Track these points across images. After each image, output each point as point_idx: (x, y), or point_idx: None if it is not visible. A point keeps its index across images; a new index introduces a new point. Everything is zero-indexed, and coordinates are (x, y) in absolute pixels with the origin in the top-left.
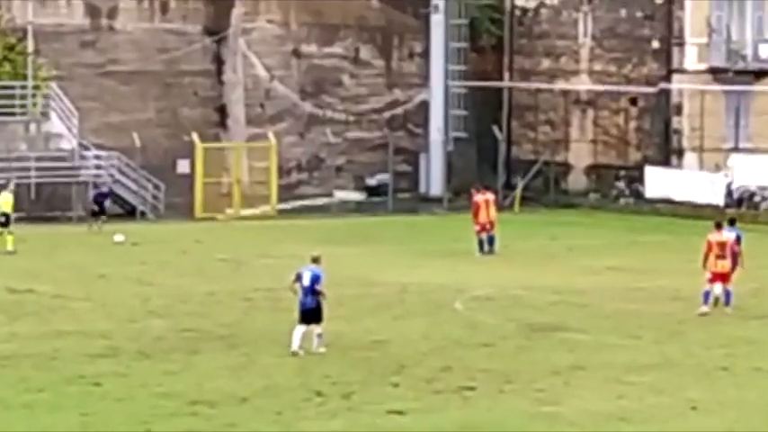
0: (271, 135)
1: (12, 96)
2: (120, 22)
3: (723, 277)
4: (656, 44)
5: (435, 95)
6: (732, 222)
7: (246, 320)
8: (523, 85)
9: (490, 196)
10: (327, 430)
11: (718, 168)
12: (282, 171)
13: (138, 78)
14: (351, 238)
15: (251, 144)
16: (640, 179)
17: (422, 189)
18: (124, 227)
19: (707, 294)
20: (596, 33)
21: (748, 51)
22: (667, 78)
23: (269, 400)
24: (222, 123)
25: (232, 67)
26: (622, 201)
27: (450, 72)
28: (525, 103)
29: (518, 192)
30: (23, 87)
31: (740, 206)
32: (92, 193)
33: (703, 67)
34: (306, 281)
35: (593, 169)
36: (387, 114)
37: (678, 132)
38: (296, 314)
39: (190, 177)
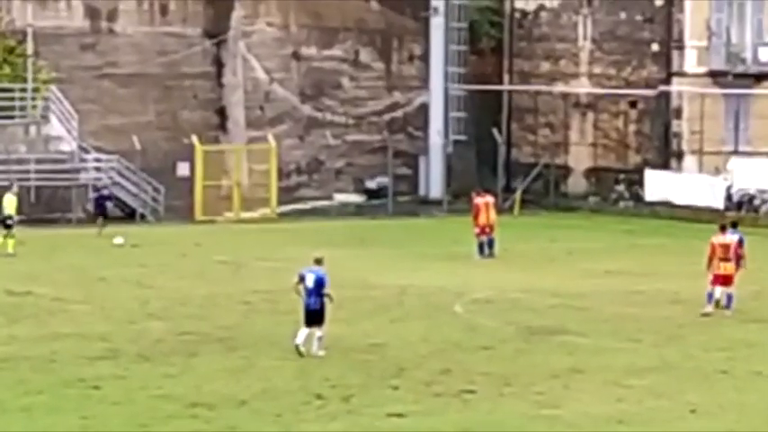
0: (270, 138)
1: (11, 99)
2: (120, 25)
3: (726, 280)
4: (655, 47)
5: (435, 98)
6: (734, 225)
7: (246, 323)
8: (523, 87)
9: (490, 199)
10: None
11: (717, 171)
12: (282, 174)
13: (138, 81)
14: (350, 240)
15: (251, 147)
16: (640, 182)
17: (421, 192)
18: (124, 229)
19: (710, 295)
20: (596, 36)
21: (748, 54)
22: (667, 81)
23: (268, 402)
24: (222, 126)
25: (232, 70)
26: (622, 204)
27: (450, 75)
28: (525, 106)
29: (518, 195)
30: (23, 90)
31: (740, 209)
32: (93, 195)
33: (703, 70)
34: (309, 282)
35: (592, 172)
36: (386, 117)
37: (678, 135)
38: (300, 316)
39: (189, 180)
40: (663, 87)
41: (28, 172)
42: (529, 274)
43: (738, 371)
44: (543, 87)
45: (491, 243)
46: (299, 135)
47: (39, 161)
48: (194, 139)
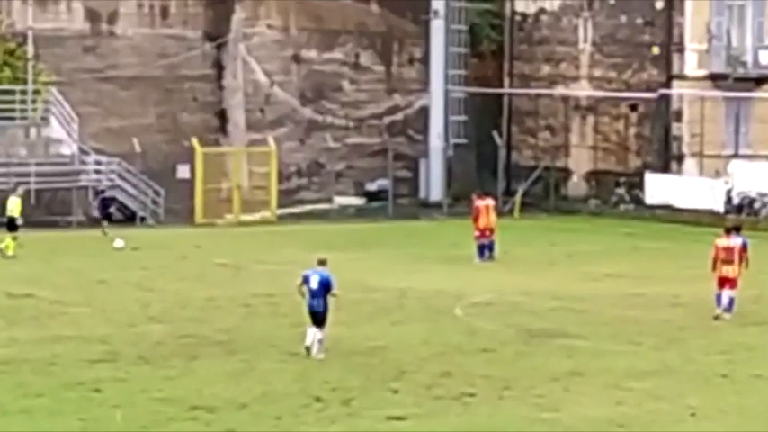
0: (271, 140)
1: (12, 101)
2: (121, 28)
3: (729, 282)
4: (656, 50)
5: (435, 101)
6: (737, 230)
7: (246, 326)
8: (523, 90)
9: (490, 202)
10: None
11: (718, 175)
12: (282, 176)
13: (138, 83)
14: (350, 243)
15: (251, 149)
16: (640, 185)
17: (422, 195)
18: (124, 232)
19: (719, 297)
20: (596, 39)
21: (748, 58)
22: (667, 84)
23: (268, 405)
24: (222, 129)
25: (232, 73)
26: (622, 207)
27: (450, 78)
28: (525, 109)
29: (518, 198)
30: (23, 92)
31: (740, 213)
32: (98, 198)
33: (703, 73)
34: (314, 284)
35: (592, 175)
36: (387, 120)
37: (678, 138)
38: (305, 317)
39: (190, 183)
40: (663, 90)
41: (28, 175)
42: (529, 276)
43: (738, 374)
44: (544, 90)
45: (491, 246)
46: (299, 138)
47: (39, 164)
48: (194, 141)
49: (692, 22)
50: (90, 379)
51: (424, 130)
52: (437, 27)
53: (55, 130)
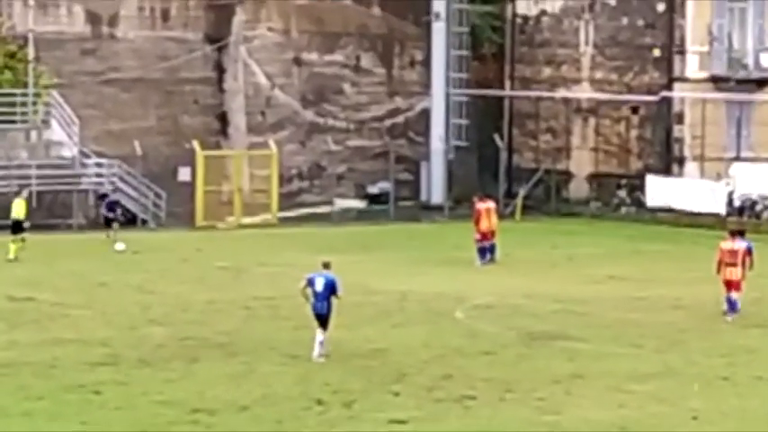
0: (272, 143)
1: (12, 104)
2: (121, 30)
3: (732, 285)
4: (657, 52)
5: (436, 104)
6: (741, 234)
7: (246, 329)
8: (524, 93)
9: (491, 205)
10: None
11: (719, 177)
12: (283, 179)
13: (139, 86)
14: (351, 246)
15: (252, 152)
16: (641, 188)
17: (423, 197)
18: (125, 235)
19: (728, 300)
20: (597, 42)
21: (750, 60)
22: (669, 87)
23: (269, 408)
24: (223, 131)
25: (233, 75)
26: (623, 209)
27: (452, 80)
28: (526, 112)
29: (519, 200)
30: (24, 95)
31: (741, 215)
32: (105, 201)
33: (705, 75)
34: (319, 287)
35: (594, 178)
36: (388, 122)
37: (679, 141)
38: (312, 320)
39: (190, 185)
40: (664, 93)
41: (29, 177)
42: (530, 279)
43: (740, 377)
44: (545, 93)
45: (492, 249)
46: (300, 140)
47: (40, 166)
48: (195, 144)
49: (694, 25)
50: (90, 382)
51: (426, 132)
52: (438, 29)
53: (56, 132)
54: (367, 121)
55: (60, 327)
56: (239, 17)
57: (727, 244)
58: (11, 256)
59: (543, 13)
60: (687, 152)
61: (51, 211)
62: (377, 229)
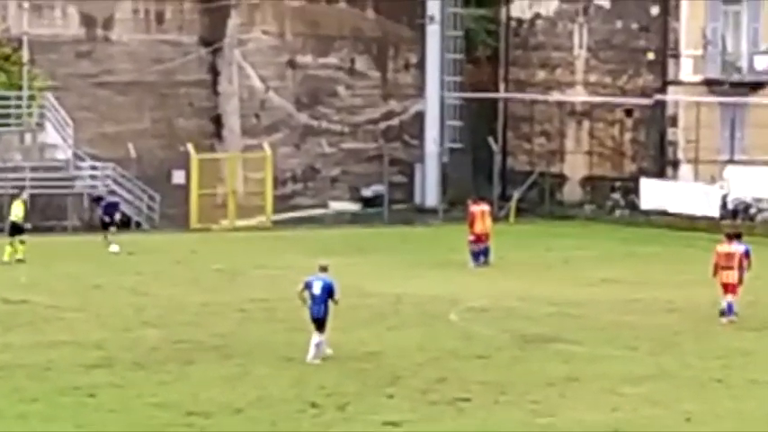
0: (266, 146)
1: (7, 106)
2: (116, 33)
3: (729, 288)
4: (651, 55)
5: (431, 106)
6: (738, 237)
7: (241, 331)
8: (519, 96)
9: (486, 207)
10: None
11: (713, 180)
12: (278, 182)
13: (134, 89)
14: (346, 248)
15: (246, 155)
16: (636, 191)
17: (417, 200)
18: (119, 237)
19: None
20: (592, 45)
21: (744, 63)
22: (663, 90)
23: (263, 410)
24: (217, 134)
25: (227, 78)
26: (618, 212)
27: (446, 83)
28: (521, 115)
29: (513, 203)
30: (18, 98)
31: (735, 218)
32: (102, 204)
33: (699, 78)
34: (317, 290)
35: (588, 181)
36: (382, 125)
37: (673, 144)
38: (309, 324)
39: (185, 188)
40: (659, 96)
41: (23, 180)
42: (524, 282)
43: (734, 379)
44: (539, 96)
45: (486, 251)
46: (294, 143)
47: (34, 169)
48: (190, 147)
49: (688, 28)
50: (85, 384)
51: (420, 135)
52: (433, 32)
53: (50, 135)
54: (361, 123)
55: (55, 329)
56: (234, 20)
57: (724, 247)
58: (5, 258)
59: (537, 16)
60: (681, 155)
61: (45, 214)
62: (371, 232)
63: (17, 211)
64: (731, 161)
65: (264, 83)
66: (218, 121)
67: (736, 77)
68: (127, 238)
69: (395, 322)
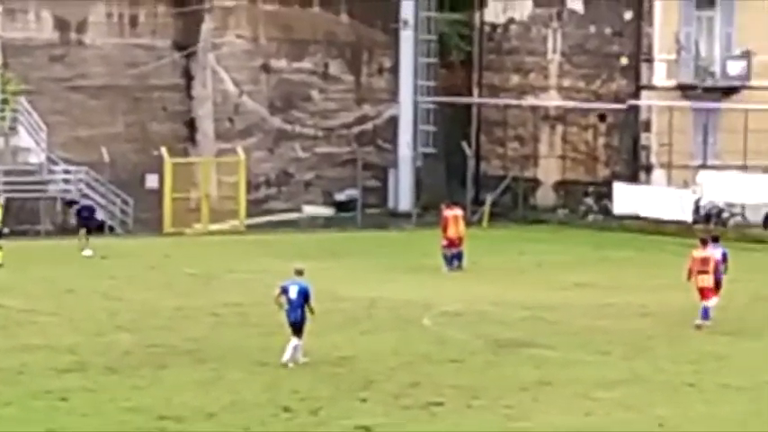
0: (240, 150)
1: None
2: (90, 37)
3: (704, 292)
4: (624, 60)
5: (404, 111)
6: (715, 240)
7: (214, 336)
8: (492, 100)
9: (459, 212)
10: None
11: (686, 185)
12: (251, 186)
13: (107, 93)
14: (319, 253)
15: (220, 159)
16: (609, 195)
17: (390, 204)
18: (93, 241)
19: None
20: (565, 50)
21: (717, 68)
22: (636, 95)
23: (236, 415)
24: (191, 138)
25: (201, 82)
26: (591, 217)
27: (420, 87)
28: (494, 119)
29: (487, 207)
30: None
31: (708, 222)
32: (77, 206)
33: (672, 83)
34: (293, 294)
35: (561, 185)
36: (356, 129)
37: (647, 149)
38: (286, 328)
39: (158, 192)
40: (632, 101)
41: None
42: (498, 286)
43: (707, 383)
44: (513, 100)
45: (460, 256)
46: (268, 147)
47: (7, 173)
48: (163, 151)
49: (661, 33)
50: (58, 388)
51: (394, 139)
52: (406, 37)
53: (23, 139)
54: (335, 128)
55: (28, 333)
56: (208, 24)
57: (699, 252)
58: None
59: (511, 21)
60: (654, 160)
61: (19, 218)
62: (345, 237)
63: None
64: (704, 166)
65: (238, 87)
66: (191, 125)
67: (709, 82)
68: (100, 242)
69: (368, 327)
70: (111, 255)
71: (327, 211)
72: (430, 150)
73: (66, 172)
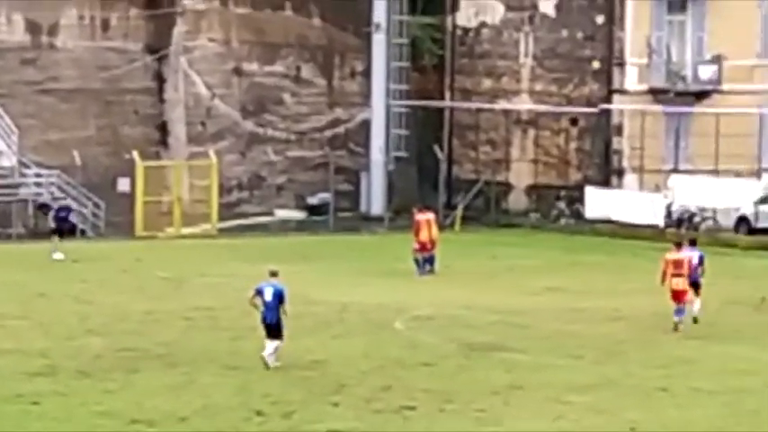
0: (212, 153)
1: None
2: (61, 40)
3: (678, 295)
4: (596, 64)
5: (376, 114)
6: (692, 243)
7: (185, 339)
8: (464, 104)
9: (431, 216)
10: None
11: (658, 189)
12: (223, 189)
13: (79, 96)
14: (291, 256)
15: (192, 162)
16: (581, 199)
17: (363, 208)
18: (64, 245)
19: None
20: (537, 53)
21: (688, 72)
22: (608, 99)
23: (208, 419)
24: (163, 142)
25: (173, 86)
26: (563, 221)
27: (392, 91)
28: (466, 123)
29: (459, 211)
30: None
31: (680, 227)
32: (54, 209)
33: (644, 87)
34: (268, 296)
35: (533, 189)
36: (328, 133)
37: (618, 153)
38: (261, 330)
39: (130, 196)
40: (604, 105)
41: None
42: (469, 290)
43: (678, 387)
44: (485, 104)
45: (432, 260)
46: (240, 151)
47: None
48: (135, 154)
49: (633, 37)
50: (29, 392)
51: (366, 143)
52: (378, 41)
53: None
54: (307, 131)
55: None
56: (179, 27)
57: (672, 254)
58: None
59: (483, 24)
60: (626, 164)
61: None
62: (316, 240)
63: None
64: (676, 170)
65: (210, 90)
66: (163, 128)
67: (680, 86)
68: (72, 245)
69: (340, 330)
70: (82, 258)
71: (300, 215)
72: (402, 154)
73: (38, 175)
